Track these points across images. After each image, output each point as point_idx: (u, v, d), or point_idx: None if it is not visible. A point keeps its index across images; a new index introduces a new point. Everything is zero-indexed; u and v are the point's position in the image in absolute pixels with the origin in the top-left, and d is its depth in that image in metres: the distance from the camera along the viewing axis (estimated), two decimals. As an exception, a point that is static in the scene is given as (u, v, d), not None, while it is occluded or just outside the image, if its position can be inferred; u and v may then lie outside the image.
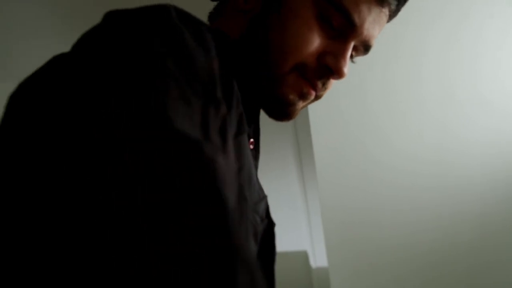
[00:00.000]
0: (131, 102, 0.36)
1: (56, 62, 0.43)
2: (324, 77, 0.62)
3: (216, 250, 0.31)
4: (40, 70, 0.44)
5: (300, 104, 0.64)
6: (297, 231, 3.51)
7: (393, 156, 1.55)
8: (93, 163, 0.33)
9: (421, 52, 1.61)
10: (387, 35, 1.55)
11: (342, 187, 1.54)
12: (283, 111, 0.65)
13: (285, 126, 2.57)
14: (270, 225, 0.60)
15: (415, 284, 1.48)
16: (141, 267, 0.29)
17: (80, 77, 0.38)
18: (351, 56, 0.66)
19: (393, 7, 0.63)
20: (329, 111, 1.57)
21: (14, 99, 0.42)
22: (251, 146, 0.63)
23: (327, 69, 0.61)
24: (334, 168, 1.55)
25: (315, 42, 0.60)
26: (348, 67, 0.62)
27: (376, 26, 0.63)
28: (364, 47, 0.64)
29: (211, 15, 0.72)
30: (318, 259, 3.60)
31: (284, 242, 3.45)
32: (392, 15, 0.65)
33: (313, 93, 0.63)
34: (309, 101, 0.65)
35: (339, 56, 0.61)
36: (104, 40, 0.41)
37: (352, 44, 0.62)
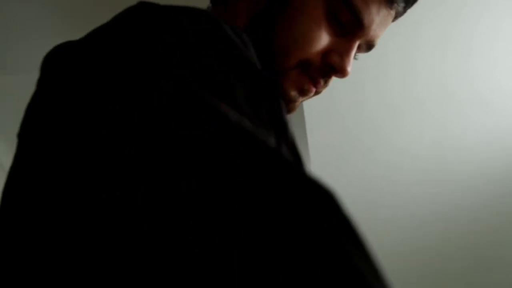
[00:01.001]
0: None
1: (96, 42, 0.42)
2: (327, 75, 0.62)
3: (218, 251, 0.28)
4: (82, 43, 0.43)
5: (300, 100, 0.64)
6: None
7: (389, 153, 1.56)
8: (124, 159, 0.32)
9: (417, 49, 1.62)
10: (385, 32, 1.54)
11: (338, 184, 1.55)
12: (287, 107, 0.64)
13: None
14: None
15: (414, 279, 1.49)
16: (143, 266, 0.28)
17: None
18: (354, 55, 0.66)
19: (400, 9, 0.63)
20: (325, 108, 1.58)
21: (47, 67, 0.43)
22: None
23: (330, 67, 0.61)
24: (329, 166, 1.55)
25: (322, 40, 0.60)
26: (352, 66, 0.62)
27: (383, 27, 0.63)
28: (368, 46, 0.65)
29: (214, 1, 0.70)
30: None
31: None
32: (397, 16, 0.66)
33: (314, 90, 0.63)
34: (308, 97, 0.65)
35: (344, 55, 0.61)
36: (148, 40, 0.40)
37: (357, 43, 0.62)
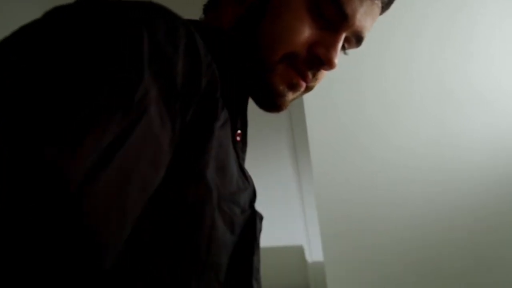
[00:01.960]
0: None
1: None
2: (315, 67, 0.62)
3: None
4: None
5: (290, 95, 0.64)
6: (293, 226, 3.51)
7: (388, 151, 1.56)
8: None
9: (415, 47, 1.62)
10: (382, 29, 1.56)
11: (338, 181, 1.55)
12: (273, 102, 0.65)
13: (280, 120, 2.57)
14: (253, 216, 0.60)
15: (411, 278, 1.49)
16: None
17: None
18: (344, 48, 0.66)
19: None
20: (325, 105, 1.58)
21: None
22: (238, 138, 0.63)
23: (317, 59, 0.61)
24: (330, 163, 1.55)
25: (306, 32, 0.60)
26: (338, 58, 0.62)
27: (368, 18, 0.63)
28: (356, 39, 0.65)
29: (206, 8, 0.72)
30: (314, 254, 3.61)
31: (279, 237, 3.45)
32: (385, 7, 0.65)
33: (303, 84, 0.63)
34: (299, 92, 0.65)
35: (330, 46, 0.61)
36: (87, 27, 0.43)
37: (343, 35, 0.62)
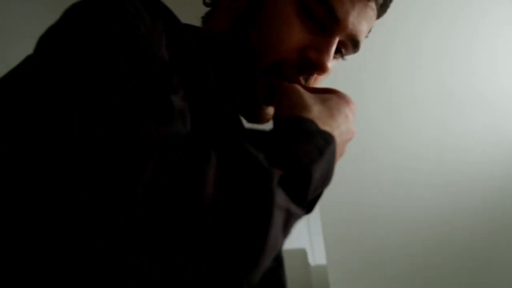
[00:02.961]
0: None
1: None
2: (307, 72, 0.62)
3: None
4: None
5: (270, 109, 0.64)
6: (295, 229, 3.50)
7: (391, 153, 1.56)
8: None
9: (417, 48, 1.62)
10: (384, 30, 1.55)
11: (340, 184, 1.54)
12: (252, 113, 0.65)
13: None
14: None
15: (415, 282, 1.49)
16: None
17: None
18: (341, 54, 0.65)
19: (380, 0, 0.63)
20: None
21: None
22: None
23: (309, 63, 0.61)
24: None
25: (295, 38, 0.60)
26: (331, 62, 0.61)
27: (363, 21, 0.62)
28: (352, 43, 0.64)
29: (204, 19, 0.73)
30: (317, 257, 3.59)
31: (282, 240, 3.44)
32: (381, 10, 0.65)
33: None
34: None
35: (322, 50, 0.60)
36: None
37: (336, 39, 0.61)
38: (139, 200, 0.33)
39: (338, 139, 0.53)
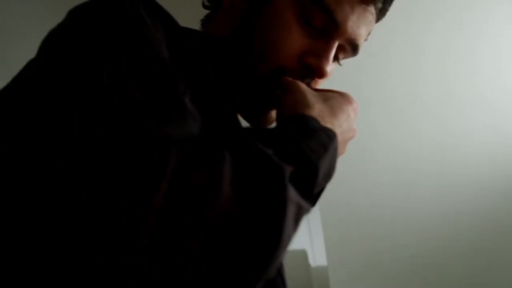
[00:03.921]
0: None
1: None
2: (307, 77, 0.62)
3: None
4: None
5: (272, 113, 0.64)
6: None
7: (391, 154, 1.55)
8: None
9: (419, 49, 1.61)
10: (385, 30, 1.55)
11: (341, 184, 1.54)
12: (254, 117, 0.65)
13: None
14: None
15: (415, 282, 1.48)
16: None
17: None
18: (338, 58, 0.65)
19: (379, 4, 0.62)
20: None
21: None
22: None
23: (308, 69, 0.61)
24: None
25: (295, 44, 0.60)
26: (330, 66, 0.61)
27: (362, 25, 0.62)
28: (352, 47, 0.64)
29: (203, 22, 0.73)
30: (317, 258, 3.59)
31: (283, 241, 3.44)
32: (380, 14, 0.65)
33: None
34: None
35: (320, 55, 0.60)
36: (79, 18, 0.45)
37: (336, 44, 0.61)
38: (159, 200, 0.34)
39: (340, 137, 0.54)
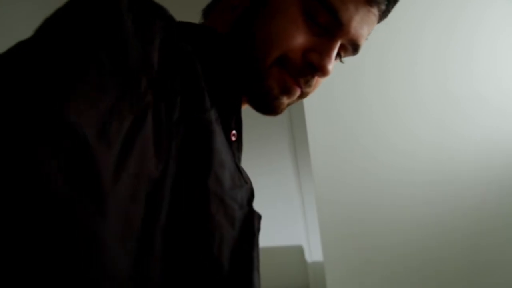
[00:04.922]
0: (41, 80, 0.37)
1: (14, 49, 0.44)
2: (308, 74, 0.62)
3: None
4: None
5: (285, 99, 0.64)
6: (293, 226, 3.51)
7: (388, 152, 1.56)
8: None
9: (416, 48, 1.62)
10: (382, 30, 1.55)
11: (338, 182, 1.55)
12: (268, 105, 0.65)
13: (280, 121, 2.57)
14: (250, 213, 0.60)
15: (411, 279, 1.49)
16: None
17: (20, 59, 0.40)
18: (339, 56, 0.66)
19: (382, 6, 0.63)
20: (325, 106, 1.58)
21: None
22: (233, 138, 0.63)
23: (311, 66, 0.61)
24: (330, 163, 1.55)
25: (299, 37, 0.60)
26: (333, 65, 0.62)
27: (364, 26, 0.62)
28: (353, 47, 0.64)
29: (204, 12, 0.72)
30: (314, 254, 3.60)
31: (279, 237, 3.45)
32: (382, 15, 0.65)
33: (298, 89, 0.63)
34: (294, 97, 0.65)
35: (324, 53, 0.60)
36: (53, 26, 0.43)
37: (338, 43, 0.62)
38: None
39: None
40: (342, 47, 0.64)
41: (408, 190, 1.54)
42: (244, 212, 0.59)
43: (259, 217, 0.63)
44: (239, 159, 0.67)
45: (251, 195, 0.63)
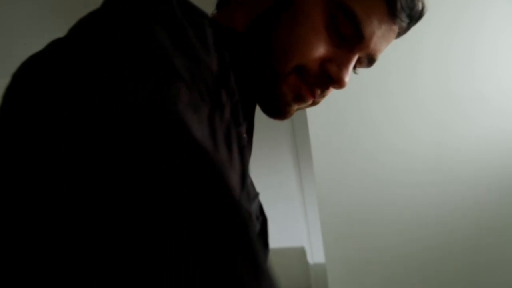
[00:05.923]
0: (139, 106, 0.32)
1: (53, 50, 0.40)
2: (324, 85, 0.61)
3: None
4: (39, 55, 0.41)
5: (295, 106, 0.63)
6: (294, 227, 3.51)
7: (390, 153, 1.56)
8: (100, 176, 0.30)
9: (418, 49, 1.61)
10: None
11: (339, 183, 1.54)
12: (279, 110, 0.64)
13: (282, 122, 2.57)
14: (264, 222, 0.60)
15: (413, 280, 1.49)
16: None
17: (75, 72, 0.35)
18: (354, 68, 0.65)
19: (404, 24, 0.63)
20: (326, 107, 1.57)
21: (14, 81, 0.40)
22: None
23: (328, 77, 0.60)
24: (331, 164, 1.55)
25: (320, 48, 0.59)
26: (349, 77, 0.61)
27: (384, 42, 0.62)
28: (369, 60, 0.64)
29: (219, 3, 0.70)
30: (316, 255, 3.60)
31: (281, 238, 3.44)
32: (401, 33, 0.65)
33: (311, 98, 0.62)
34: (305, 105, 0.64)
35: (342, 65, 0.60)
36: (103, 31, 0.39)
37: (357, 56, 0.61)
38: None
39: None
40: (358, 60, 0.63)
41: (409, 191, 1.53)
42: (260, 222, 0.58)
43: (267, 222, 0.63)
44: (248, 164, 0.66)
45: (260, 202, 0.62)
